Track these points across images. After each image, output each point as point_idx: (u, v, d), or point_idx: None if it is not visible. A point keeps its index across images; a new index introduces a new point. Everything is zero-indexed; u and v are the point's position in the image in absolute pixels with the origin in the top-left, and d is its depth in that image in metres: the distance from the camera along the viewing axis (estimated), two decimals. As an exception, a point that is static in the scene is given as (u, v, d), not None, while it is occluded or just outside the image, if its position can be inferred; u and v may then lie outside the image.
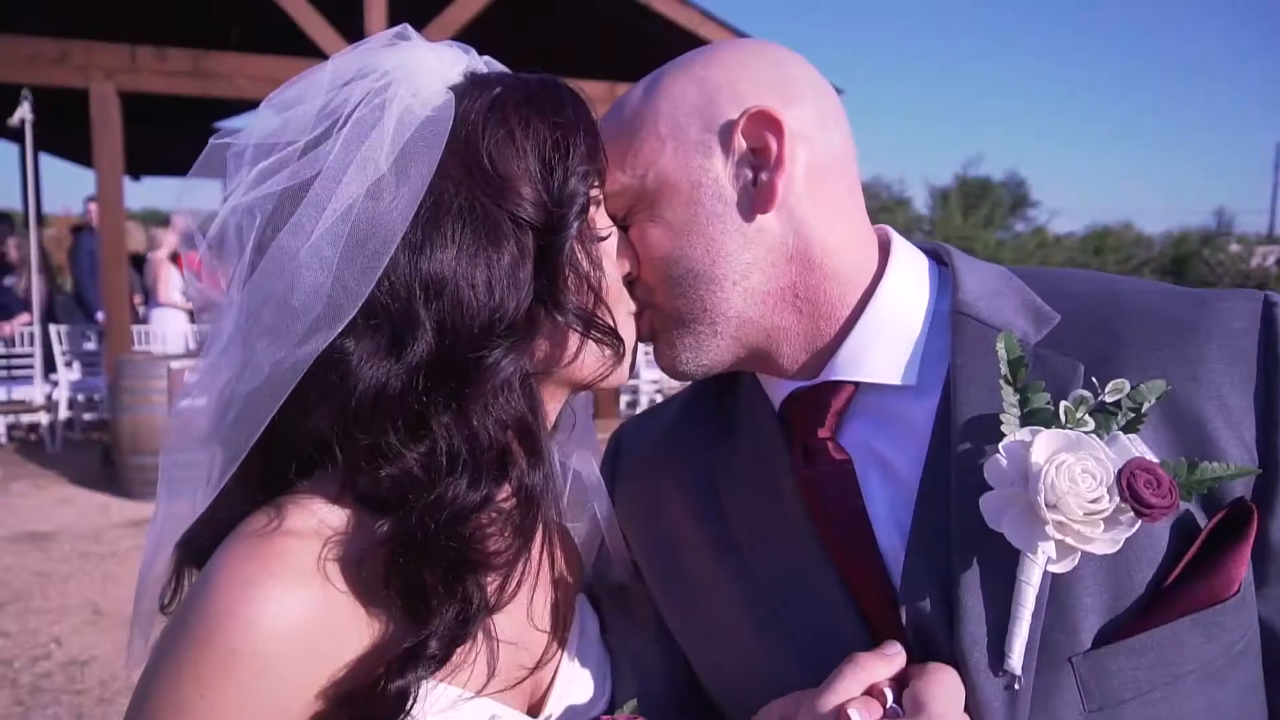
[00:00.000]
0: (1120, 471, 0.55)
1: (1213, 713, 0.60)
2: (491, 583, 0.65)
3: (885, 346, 0.69)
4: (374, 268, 0.61)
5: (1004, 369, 0.62)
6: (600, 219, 0.71)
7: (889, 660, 0.61)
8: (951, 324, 0.68)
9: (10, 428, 7.27)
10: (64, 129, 7.84)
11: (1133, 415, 0.58)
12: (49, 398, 7.08)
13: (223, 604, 0.59)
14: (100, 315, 7.57)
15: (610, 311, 0.69)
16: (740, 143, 0.69)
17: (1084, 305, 0.67)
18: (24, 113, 6.30)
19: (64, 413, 7.19)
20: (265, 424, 0.62)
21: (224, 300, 0.68)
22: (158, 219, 11.10)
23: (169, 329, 7.42)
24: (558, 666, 0.75)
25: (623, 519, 0.83)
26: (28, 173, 6.77)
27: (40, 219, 10.67)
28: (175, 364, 5.81)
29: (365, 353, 0.61)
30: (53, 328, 7.15)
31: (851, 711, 0.57)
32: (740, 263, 0.70)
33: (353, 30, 6.81)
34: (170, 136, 11.08)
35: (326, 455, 0.66)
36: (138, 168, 14.01)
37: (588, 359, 0.68)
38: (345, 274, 0.61)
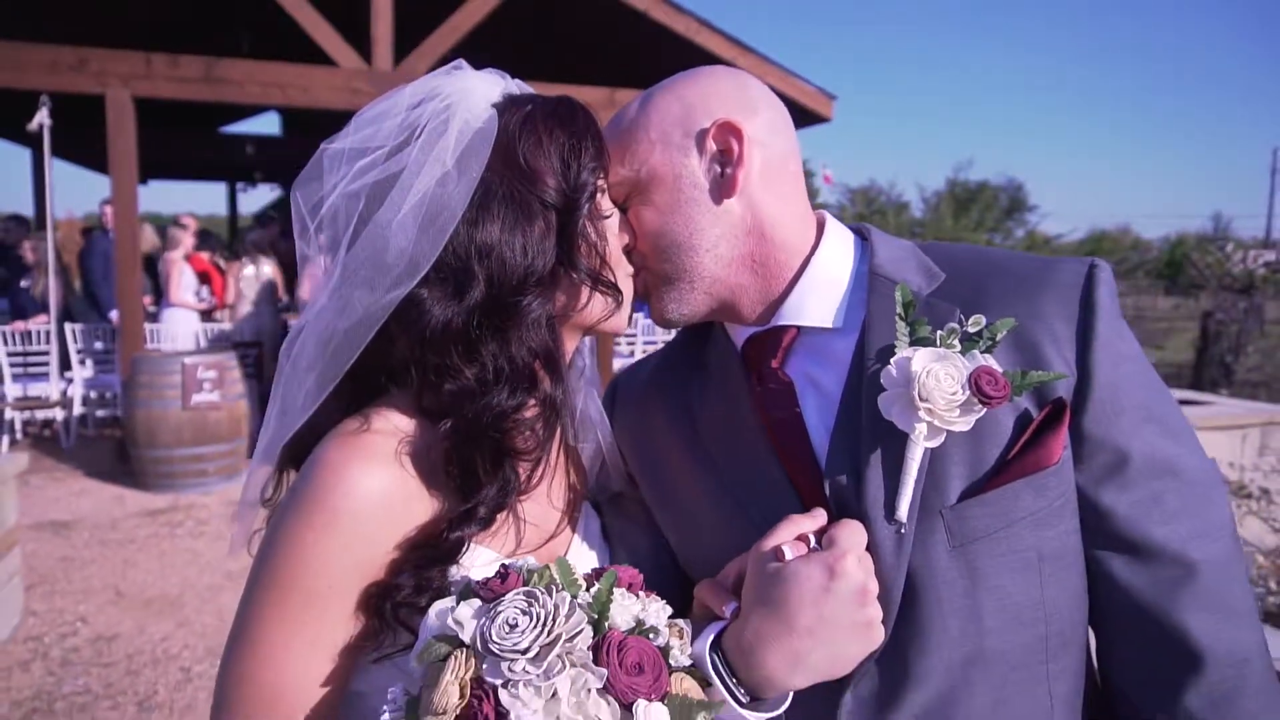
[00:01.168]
0: (971, 374, 0.76)
1: (1039, 549, 0.81)
2: (523, 470, 0.86)
3: (820, 299, 0.90)
4: (442, 237, 0.83)
5: (900, 310, 0.83)
6: (605, 203, 0.92)
7: (814, 518, 0.82)
8: (868, 282, 0.89)
9: (25, 424, 7.47)
10: (74, 134, 8.05)
11: (990, 342, 0.79)
12: (64, 394, 7.28)
13: (330, 478, 0.80)
14: (114, 315, 7.79)
15: (612, 271, 0.89)
16: (711, 145, 0.90)
17: (963, 267, 0.88)
18: (42, 117, 6.51)
19: (78, 409, 7.39)
20: (358, 352, 0.83)
21: (320, 268, 0.89)
22: (158, 222, 11.30)
23: (180, 328, 7.62)
24: (569, 546, 0.95)
25: (620, 441, 1.04)
26: (45, 177, 6.97)
27: (54, 223, 10.90)
28: (189, 360, 6.02)
29: (435, 298, 0.82)
30: (68, 326, 7.35)
31: (785, 549, 0.78)
32: (711, 236, 0.90)
33: (360, 38, 7.05)
34: (172, 142, 11.33)
35: (396, 381, 0.87)
36: (143, 172, 14.21)
37: (595, 306, 0.89)
38: (422, 241, 0.82)
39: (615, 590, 0.76)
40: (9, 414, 7.08)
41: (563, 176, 0.86)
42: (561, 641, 0.69)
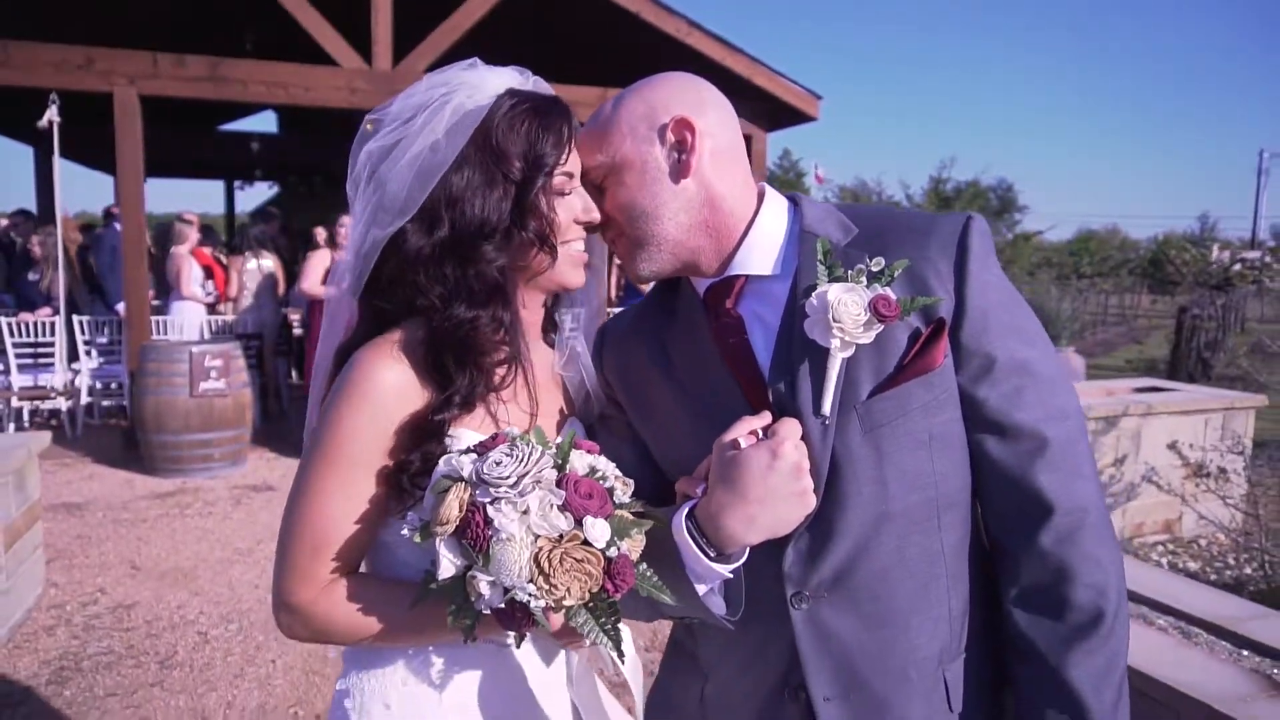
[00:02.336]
0: (870, 301, 1.00)
1: (930, 432, 1.04)
2: (490, 371, 1.11)
3: (762, 253, 1.13)
4: (426, 188, 1.08)
5: (820, 258, 1.07)
6: (566, 185, 1.14)
7: (761, 418, 1.05)
8: (799, 238, 1.12)
9: (32, 414, 7.66)
10: (77, 133, 8.24)
11: (889, 278, 1.03)
12: (70, 384, 7.48)
13: (358, 373, 1.07)
14: (120, 307, 7.98)
15: (555, 236, 1.13)
16: (670, 137, 1.12)
17: (871, 223, 1.12)
18: (52, 115, 6.70)
19: (84, 399, 7.59)
20: (370, 269, 1.11)
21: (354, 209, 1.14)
22: (153, 220, 11.48)
23: (188, 319, 7.83)
24: None
25: (609, 373, 1.26)
26: (53, 173, 7.16)
27: (55, 218, 11.07)
28: (196, 349, 6.23)
29: (415, 231, 1.09)
30: (75, 318, 7.55)
31: (739, 440, 1.02)
32: (672, 208, 1.13)
33: (360, 38, 7.27)
34: (171, 140, 11.51)
35: (410, 314, 1.13)
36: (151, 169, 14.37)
37: (540, 261, 1.14)
38: (412, 189, 1.08)
39: (574, 450, 1.00)
40: (16, 403, 7.28)
41: (524, 159, 1.10)
42: (533, 474, 0.95)
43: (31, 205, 10.65)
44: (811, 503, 1.02)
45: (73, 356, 7.63)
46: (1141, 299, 23.60)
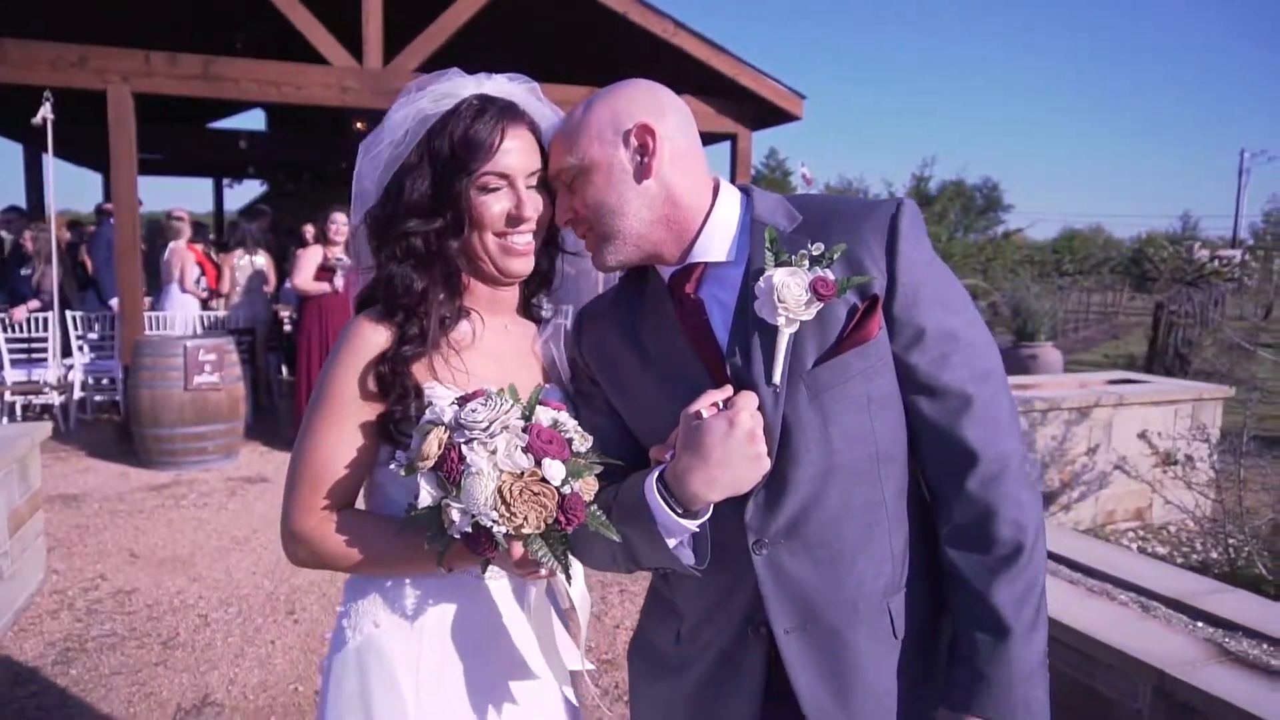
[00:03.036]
0: (810, 282, 1.13)
1: (868, 394, 1.17)
2: (444, 320, 1.28)
3: (717, 242, 1.25)
4: (385, 179, 1.29)
5: (768, 245, 1.20)
6: (494, 182, 1.29)
7: (722, 391, 1.17)
8: (750, 227, 1.25)
9: (24, 409, 7.72)
10: (67, 131, 8.28)
11: (828, 260, 1.15)
12: (62, 379, 7.55)
13: (351, 332, 1.27)
14: (114, 302, 8.05)
15: (471, 225, 1.29)
16: (633, 141, 1.23)
17: (815, 211, 1.24)
18: (46, 112, 6.78)
19: (78, 394, 7.66)
20: (360, 250, 1.33)
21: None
22: (142, 219, 11.49)
23: (182, 314, 7.92)
24: None
25: (586, 352, 1.38)
26: (46, 170, 7.23)
27: (43, 214, 11.10)
28: (190, 343, 6.33)
29: (376, 210, 1.30)
30: (68, 313, 7.62)
31: (702, 411, 1.15)
32: (635, 205, 1.24)
33: (351, 38, 7.37)
34: (160, 138, 11.54)
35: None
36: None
37: (473, 246, 1.31)
38: (377, 181, 1.29)
39: (541, 406, 1.16)
40: (9, 398, 7.34)
41: (450, 156, 1.26)
42: (501, 420, 1.10)
43: (20, 202, 10.67)
44: (766, 464, 1.15)
45: (65, 352, 7.70)
46: (1122, 297, 23.93)
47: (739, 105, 8.73)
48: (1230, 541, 5.07)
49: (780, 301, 1.14)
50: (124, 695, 3.25)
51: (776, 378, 1.17)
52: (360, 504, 1.33)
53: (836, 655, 1.21)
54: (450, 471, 1.09)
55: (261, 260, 8.46)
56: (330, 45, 7.35)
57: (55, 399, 7.49)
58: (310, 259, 6.76)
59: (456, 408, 1.13)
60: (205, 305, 8.36)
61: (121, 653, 3.58)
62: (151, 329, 7.69)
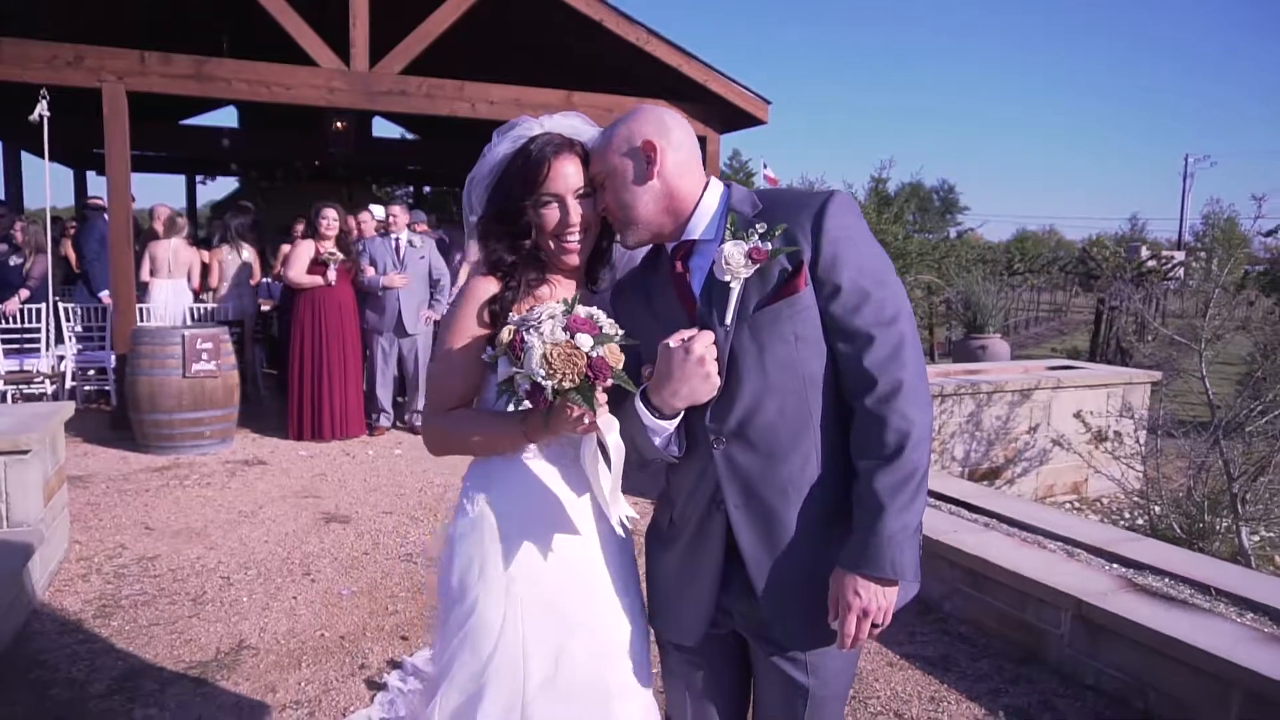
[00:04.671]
0: (747, 250, 1.55)
1: (795, 334, 1.56)
2: (529, 282, 1.74)
3: (702, 224, 1.68)
4: (485, 200, 1.76)
5: (729, 226, 1.62)
6: (542, 197, 1.73)
7: (689, 330, 1.58)
8: (725, 213, 1.68)
9: (14, 399, 7.91)
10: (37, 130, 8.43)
11: (770, 236, 1.56)
12: (54, 368, 7.75)
13: (470, 283, 1.71)
14: (104, 294, 8.27)
15: (536, 228, 1.74)
16: (641, 153, 1.67)
17: (772, 201, 1.66)
18: (42, 109, 7.00)
19: (69, 383, 7.87)
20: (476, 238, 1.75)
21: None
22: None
23: (175, 306, 8.18)
24: None
25: (619, 311, 1.80)
26: (35, 167, 7.44)
27: (22, 209, 11.20)
28: (188, 332, 6.62)
29: (479, 222, 1.75)
30: (61, 304, 7.83)
31: (670, 343, 1.56)
32: (644, 200, 1.67)
33: (339, 41, 7.68)
34: (134, 136, 11.67)
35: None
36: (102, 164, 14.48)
37: (544, 243, 1.76)
38: (479, 201, 1.77)
39: (580, 306, 1.56)
40: (1, 387, 7.53)
41: (512, 186, 1.74)
42: (549, 312, 1.54)
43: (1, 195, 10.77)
44: (716, 382, 1.57)
45: (59, 341, 7.91)
46: (1072, 296, 24.90)
47: (708, 109, 9.18)
48: (1154, 509, 5.63)
49: (727, 265, 1.58)
50: (165, 641, 3.59)
51: (727, 320, 1.60)
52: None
53: (769, 524, 1.62)
54: (516, 350, 1.52)
55: (247, 254, 8.73)
56: (319, 47, 7.66)
57: (48, 388, 7.69)
58: (303, 253, 7.06)
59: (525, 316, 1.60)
60: (196, 298, 8.60)
61: (155, 608, 3.91)
62: (142, 320, 7.92)
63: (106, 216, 8.07)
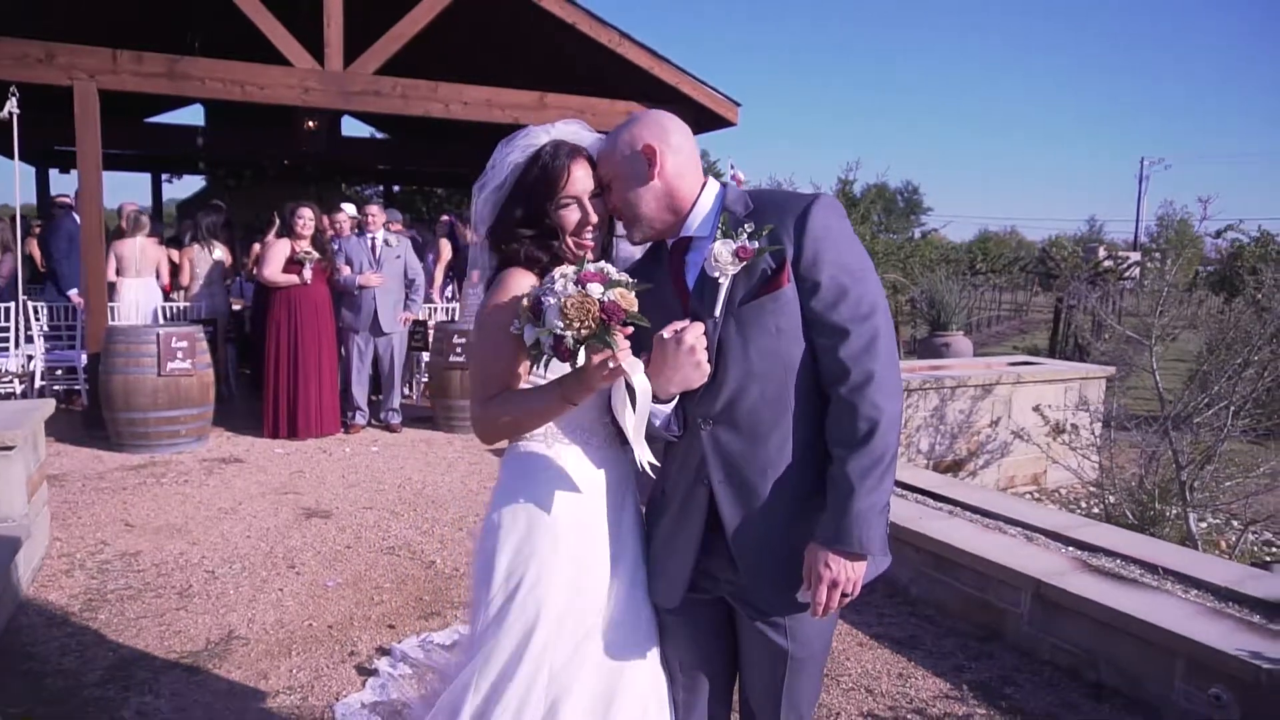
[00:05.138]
0: (735, 249, 1.68)
1: (777, 325, 1.70)
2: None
3: (699, 222, 1.81)
4: (498, 204, 1.86)
5: (721, 225, 1.75)
6: (561, 200, 1.85)
7: (682, 322, 1.69)
8: (720, 212, 1.82)
9: (-19, 398, 7.83)
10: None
11: (758, 236, 1.69)
12: (23, 367, 7.69)
13: (509, 274, 1.81)
14: (73, 293, 8.21)
15: (555, 229, 1.85)
16: (642, 157, 1.80)
17: (763, 202, 1.79)
18: (12, 106, 6.95)
19: (39, 383, 7.81)
20: (487, 246, 1.88)
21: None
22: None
23: (147, 304, 8.14)
24: None
25: None
26: (15, 166, 7.39)
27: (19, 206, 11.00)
28: (163, 330, 6.62)
29: (494, 228, 1.86)
30: (30, 303, 7.77)
31: (664, 334, 1.68)
32: (646, 198, 1.81)
33: (313, 41, 7.71)
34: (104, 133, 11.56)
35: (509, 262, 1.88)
36: (68, 162, 14.29)
37: (564, 240, 1.87)
38: (491, 210, 1.87)
39: (590, 264, 1.67)
40: (-31, 388, 7.46)
41: (538, 188, 1.85)
42: (562, 272, 1.64)
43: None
44: (706, 369, 1.69)
45: (28, 340, 7.84)
46: (1032, 295, 25.46)
47: (680, 111, 9.11)
48: (1109, 498, 5.89)
49: (716, 262, 1.71)
50: (154, 633, 3.65)
51: (716, 312, 1.73)
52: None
53: (749, 499, 1.76)
54: (536, 313, 1.63)
55: (221, 253, 8.71)
56: (293, 47, 7.67)
57: (16, 387, 7.62)
58: (279, 252, 7.09)
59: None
60: (166, 296, 8.57)
61: (141, 602, 3.97)
62: (113, 319, 7.88)
63: (75, 215, 8.02)
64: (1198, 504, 5.32)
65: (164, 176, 16.53)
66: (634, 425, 1.70)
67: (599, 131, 1.97)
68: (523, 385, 1.85)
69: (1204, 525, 5.58)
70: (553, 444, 1.88)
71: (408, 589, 4.18)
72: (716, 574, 1.84)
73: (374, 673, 3.32)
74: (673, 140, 1.81)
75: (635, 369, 1.64)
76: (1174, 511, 5.42)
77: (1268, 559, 5.39)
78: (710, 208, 1.82)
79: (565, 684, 1.81)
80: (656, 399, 1.72)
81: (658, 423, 1.74)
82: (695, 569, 1.84)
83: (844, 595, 1.71)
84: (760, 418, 1.75)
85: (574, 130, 1.92)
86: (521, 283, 1.81)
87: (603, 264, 1.69)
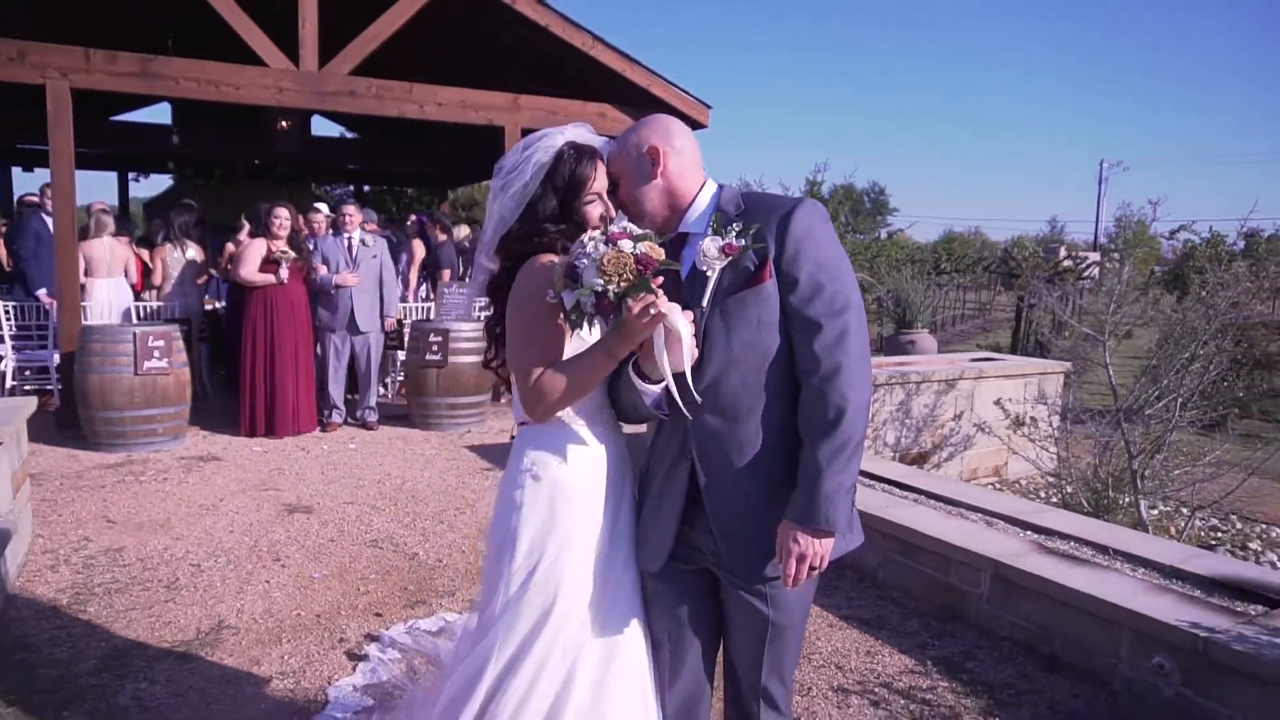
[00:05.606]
0: (721, 245, 1.83)
1: (759, 317, 1.85)
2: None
3: (695, 219, 1.96)
4: (521, 205, 1.97)
5: (712, 223, 1.90)
6: (588, 197, 1.99)
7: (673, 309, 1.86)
8: (714, 211, 1.98)
9: (-50, 399, 7.77)
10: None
11: (746, 234, 1.84)
12: (-6, 369, 7.65)
13: (541, 262, 1.91)
14: (41, 293, 8.17)
15: (581, 223, 1.98)
16: (647, 157, 1.96)
17: (753, 203, 1.94)
18: (-18, 105, 6.92)
19: (10, 383, 7.76)
20: (499, 244, 2.00)
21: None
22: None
23: (120, 304, 8.12)
24: None
25: None
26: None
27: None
28: (139, 330, 6.64)
29: (525, 215, 1.97)
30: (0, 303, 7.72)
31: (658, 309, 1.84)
32: (651, 194, 1.96)
33: (288, 41, 7.76)
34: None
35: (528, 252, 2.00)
36: (35, 161, 14.11)
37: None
38: (515, 207, 1.98)
39: (614, 223, 1.81)
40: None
41: (564, 186, 1.98)
42: (590, 236, 1.76)
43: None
44: (694, 354, 1.83)
45: (-4, 341, 7.79)
46: (995, 294, 25.99)
47: (651, 112, 9.48)
48: (1067, 488, 6.14)
49: (705, 256, 1.87)
50: (144, 624, 3.73)
51: (704, 303, 1.88)
52: None
53: (726, 474, 1.91)
54: (573, 276, 1.75)
55: (192, 252, 8.71)
56: (267, 47, 7.71)
57: (-14, 388, 7.58)
58: (255, 252, 7.13)
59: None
60: (138, 296, 8.55)
61: (129, 595, 4.03)
62: (84, 318, 7.85)
63: (43, 215, 7.99)
64: (1148, 491, 5.58)
65: (131, 175, 16.36)
66: (672, 369, 1.80)
67: None
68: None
69: (1155, 512, 5.85)
70: (567, 424, 2.01)
71: (392, 579, 4.29)
72: (700, 545, 1.99)
73: (364, 658, 3.43)
74: (675, 143, 1.97)
75: (674, 311, 1.76)
76: (1127, 499, 5.68)
77: (1213, 543, 5.67)
78: (706, 206, 1.98)
79: (577, 655, 1.96)
80: (648, 379, 1.87)
81: (648, 401, 1.89)
82: (679, 540, 2.00)
83: (812, 568, 1.87)
84: (739, 401, 1.90)
85: (583, 134, 2.06)
86: (548, 262, 1.92)
87: (625, 223, 1.82)
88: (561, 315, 1.82)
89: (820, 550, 1.85)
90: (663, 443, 2.01)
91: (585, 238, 1.78)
